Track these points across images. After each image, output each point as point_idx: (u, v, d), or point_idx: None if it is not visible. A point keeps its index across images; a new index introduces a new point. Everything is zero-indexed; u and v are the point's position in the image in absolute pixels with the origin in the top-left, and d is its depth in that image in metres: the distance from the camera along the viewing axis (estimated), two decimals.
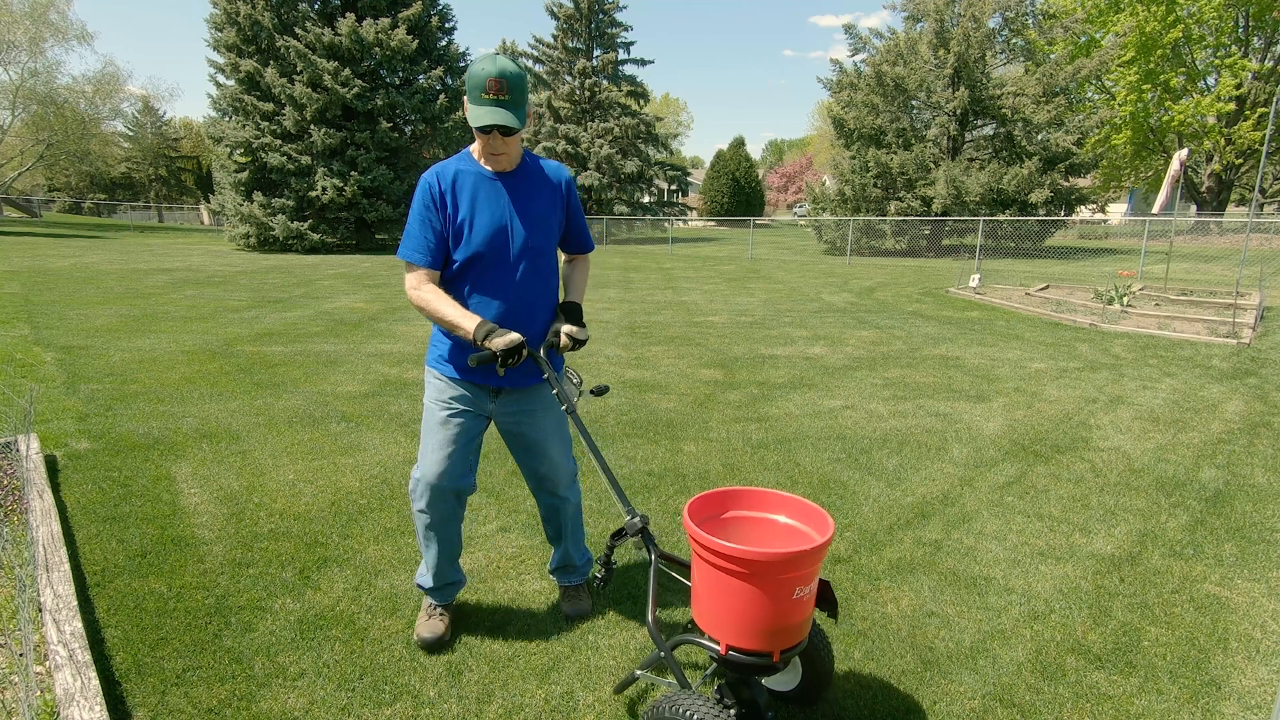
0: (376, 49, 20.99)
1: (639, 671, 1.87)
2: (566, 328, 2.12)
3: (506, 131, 1.95)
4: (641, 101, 34.35)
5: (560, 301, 2.23)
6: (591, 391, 2.15)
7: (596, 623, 2.38)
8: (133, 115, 47.82)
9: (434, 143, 23.83)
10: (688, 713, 1.57)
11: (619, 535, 1.91)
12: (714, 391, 5.36)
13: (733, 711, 1.68)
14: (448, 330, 2.03)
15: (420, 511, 2.22)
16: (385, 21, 20.94)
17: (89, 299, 9.75)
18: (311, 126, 20.74)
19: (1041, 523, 3.17)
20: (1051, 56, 21.95)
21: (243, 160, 21.90)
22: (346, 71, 20.54)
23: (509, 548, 2.89)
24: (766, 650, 1.63)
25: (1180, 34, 24.38)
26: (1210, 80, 27.01)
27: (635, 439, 4.24)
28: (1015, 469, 3.81)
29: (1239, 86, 24.80)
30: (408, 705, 1.99)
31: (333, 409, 4.78)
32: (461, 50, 23.87)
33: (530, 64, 34.10)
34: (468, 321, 1.95)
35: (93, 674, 1.89)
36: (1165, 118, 26.09)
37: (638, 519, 1.89)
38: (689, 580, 1.82)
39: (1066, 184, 21.60)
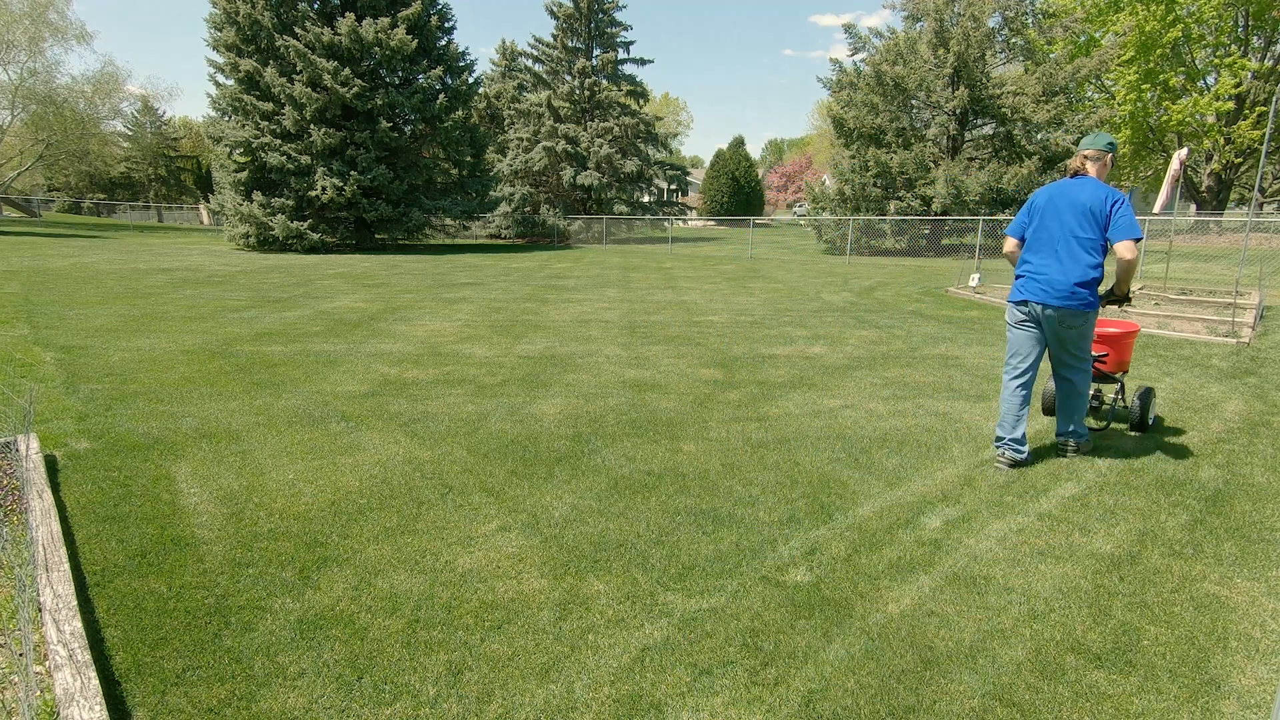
0: (376, 49, 20.99)
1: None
2: None
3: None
4: (641, 101, 34.37)
5: None
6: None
7: (596, 622, 2.38)
8: (132, 115, 47.86)
9: (434, 142, 23.79)
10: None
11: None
12: (714, 391, 5.36)
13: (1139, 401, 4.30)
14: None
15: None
16: (385, 21, 20.94)
17: (89, 299, 9.75)
18: (311, 126, 20.73)
19: (1041, 522, 3.17)
20: (1051, 56, 21.94)
21: (242, 160, 21.89)
22: (346, 71, 20.53)
23: (509, 547, 2.90)
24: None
25: (1180, 33, 24.37)
26: (1210, 79, 27.01)
27: (635, 438, 4.24)
28: (1015, 468, 3.81)
29: (1238, 85, 24.79)
30: (408, 705, 1.99)
31: (333, 409, 4.78)
32: (461, 50, 23.77)
33: (530, 64, 34.14)
34: None
35: (93, 674, 1.89)
36: (1164, 117, 26.09)
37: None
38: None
39: None
